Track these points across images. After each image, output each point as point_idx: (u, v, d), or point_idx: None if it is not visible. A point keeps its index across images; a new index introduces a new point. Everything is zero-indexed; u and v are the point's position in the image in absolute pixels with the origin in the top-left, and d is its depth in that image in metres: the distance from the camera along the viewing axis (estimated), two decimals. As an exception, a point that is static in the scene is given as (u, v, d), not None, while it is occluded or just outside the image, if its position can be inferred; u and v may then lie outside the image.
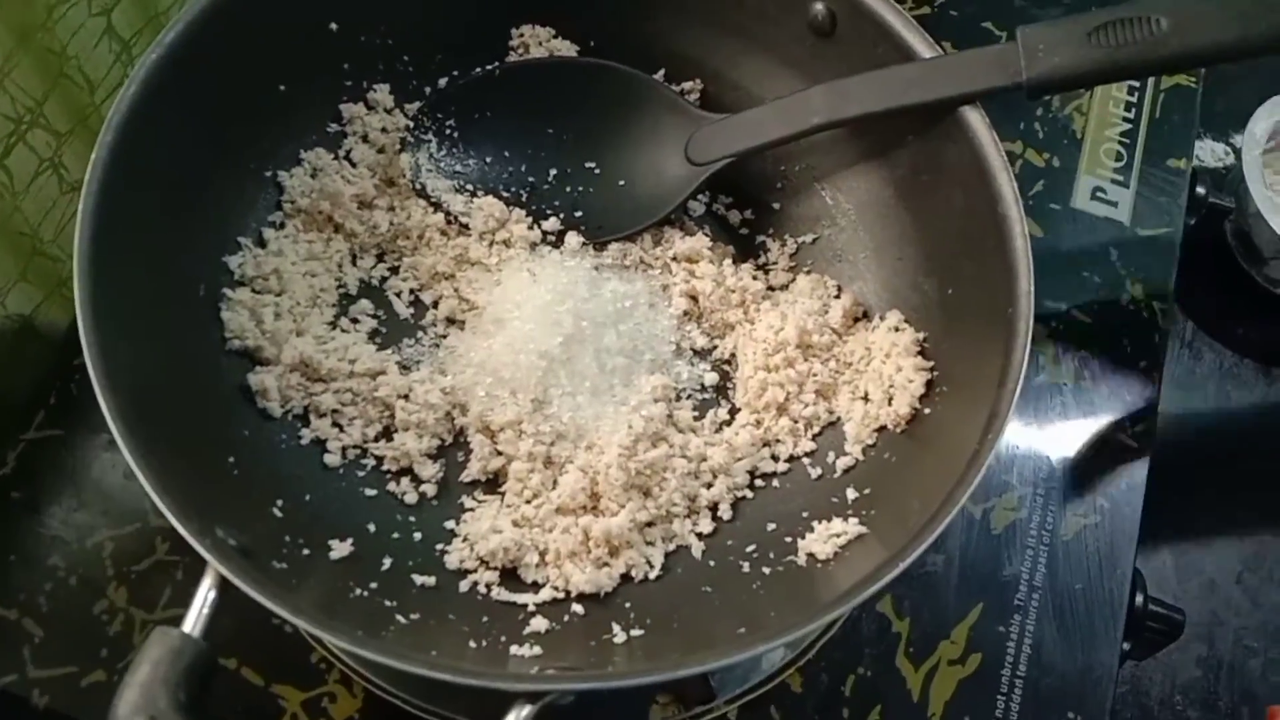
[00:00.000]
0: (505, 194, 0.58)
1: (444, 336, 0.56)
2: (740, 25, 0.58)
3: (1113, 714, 0.56)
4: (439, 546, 0.50)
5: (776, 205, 0.60)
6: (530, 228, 0.58)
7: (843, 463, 0.52)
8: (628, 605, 0.49)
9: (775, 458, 0.54)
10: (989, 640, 0.56)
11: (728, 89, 0.60)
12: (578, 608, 0.48)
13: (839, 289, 0.57)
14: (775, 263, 0.59)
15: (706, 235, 0.59)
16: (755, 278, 0.58)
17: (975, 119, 0.50)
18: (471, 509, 0.52)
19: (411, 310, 0.57)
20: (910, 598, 0.56)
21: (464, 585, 0.49)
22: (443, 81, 0.60)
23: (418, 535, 0.50)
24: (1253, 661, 0.72)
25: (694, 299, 0.57)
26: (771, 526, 0.51)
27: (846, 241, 0.58)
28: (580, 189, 0.59)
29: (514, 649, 0.45)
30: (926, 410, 0.51)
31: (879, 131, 0.55)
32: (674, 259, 0.58)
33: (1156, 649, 0.62)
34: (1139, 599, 0.59)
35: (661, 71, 0.61)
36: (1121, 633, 0.57)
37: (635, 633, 0.47)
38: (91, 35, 0.57)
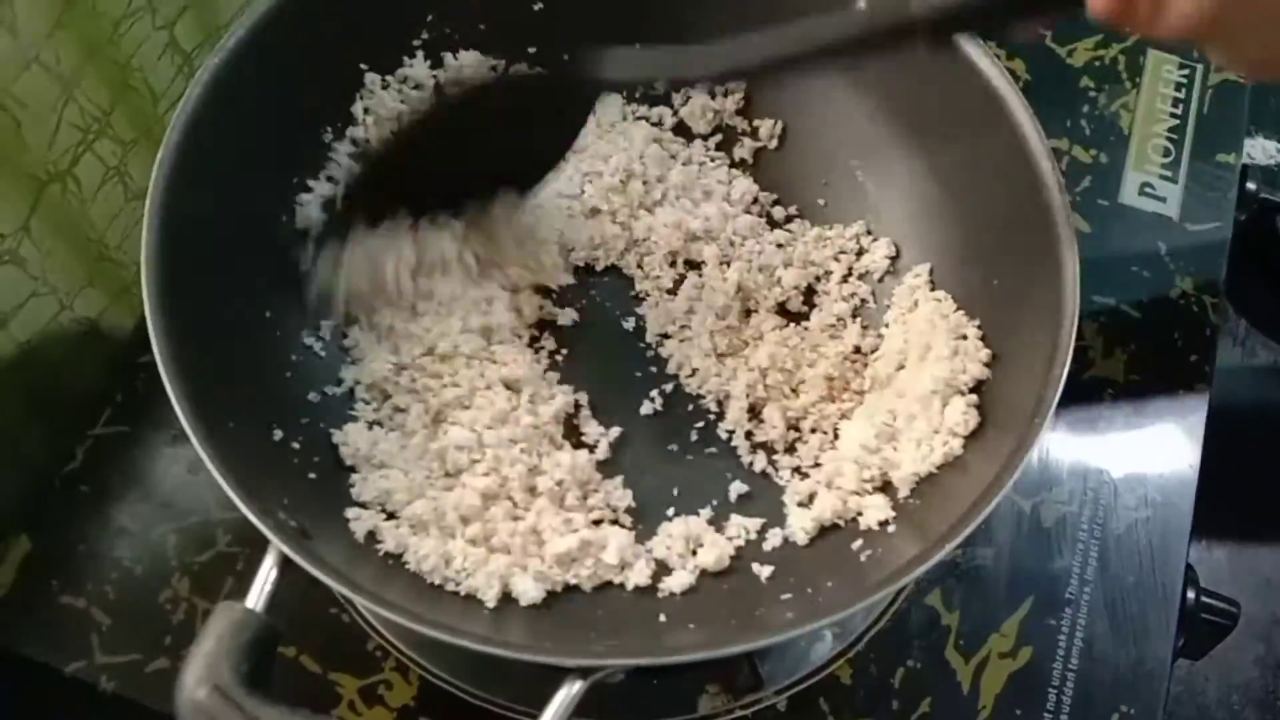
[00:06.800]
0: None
1: None
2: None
3: (1168, 713, 0.55)
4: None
5: (821, 201, 0.60)
6: None
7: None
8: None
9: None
10: (1040, 634, 0.56)
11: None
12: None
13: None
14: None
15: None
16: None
17: (1016, 105, 0.51)
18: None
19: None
20: (959, 591, 0.56)
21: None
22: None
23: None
24: (1312, 661, 0.71)
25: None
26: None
27: (891, 235, 0.58)
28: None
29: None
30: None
31: (921, 123, 0.56)
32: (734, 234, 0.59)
33: (1212, 645, 0.61)
34: (1191, 594, 0.58)
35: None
36: (1175, 626, 0.56)
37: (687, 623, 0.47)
38: (155, 48, 0.59)
